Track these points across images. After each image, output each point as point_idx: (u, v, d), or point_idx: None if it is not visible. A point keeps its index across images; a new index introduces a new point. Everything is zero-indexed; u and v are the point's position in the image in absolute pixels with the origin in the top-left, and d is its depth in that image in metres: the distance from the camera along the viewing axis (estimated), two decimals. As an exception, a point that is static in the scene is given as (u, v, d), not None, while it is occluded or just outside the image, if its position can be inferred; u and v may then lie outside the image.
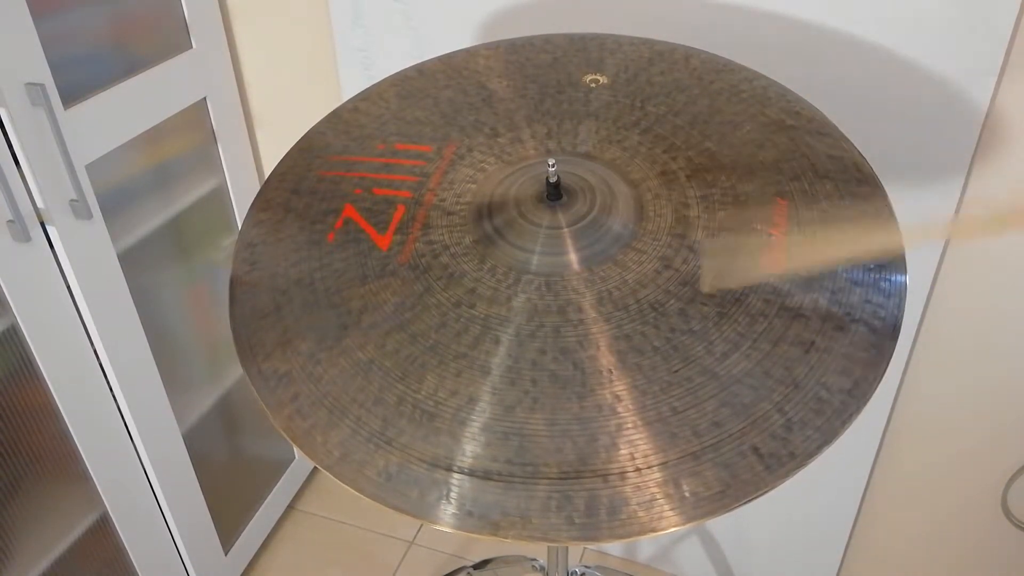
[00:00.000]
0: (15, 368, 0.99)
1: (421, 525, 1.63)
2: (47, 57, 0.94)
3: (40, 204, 0.96)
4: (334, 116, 0.82)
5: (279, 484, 1.60)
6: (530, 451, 0.55)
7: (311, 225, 0.71)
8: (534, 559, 1.20)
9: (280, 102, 1.35)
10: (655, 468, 0.53)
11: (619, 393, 0.57)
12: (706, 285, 0.60)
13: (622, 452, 0.54)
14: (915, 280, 1.07)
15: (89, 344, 1.08)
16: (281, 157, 0.79)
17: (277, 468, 1.61)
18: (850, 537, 1.35)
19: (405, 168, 0.75)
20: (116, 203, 1.12)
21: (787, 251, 0.59)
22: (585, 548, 1.60)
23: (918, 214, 1.02)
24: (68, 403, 1.06)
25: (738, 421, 0.55)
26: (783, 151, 0.72)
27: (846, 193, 0.68)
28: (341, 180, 0.75)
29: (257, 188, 1.40)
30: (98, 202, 1.05)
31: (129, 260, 1.14)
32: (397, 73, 0.86)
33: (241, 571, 1.52)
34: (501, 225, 0.67)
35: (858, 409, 0.55)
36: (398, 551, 1.59)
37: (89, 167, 1.04)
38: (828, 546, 1.36)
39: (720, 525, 1.44)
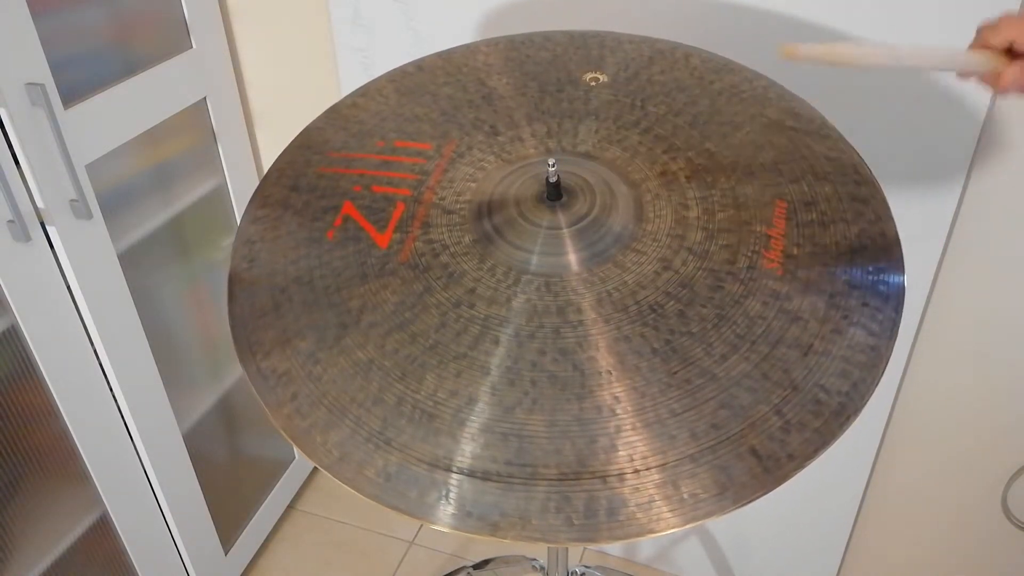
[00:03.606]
0: (15, 368, 0.99)
1: (421, 525, 1.63)
2: (47, 57, 0.94)
3: (40, 204, 0.96)
4: (333, 112, 0.82)
5: (279, 484, 1.60)
6: (529, 452, 0.55)
7: (310, 223, 0.71)
8: (534, 559, 1.20)
9: (280, 102, 1.35)
10: (654, 470, 0.53)
11: (618, 395, 0.57)
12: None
13: (621, 454, 0.54)
14: (915, 280, 1.07)
15: (89, 344, 1.08)
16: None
17: (277, 468, 1.61)
18: (850, 537, 1.35)
19: (405, 166, 0.75)
20: (116, 203, 1.11)
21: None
22: (585, 548, 1.60)
23: (918, 215, 1.02)
24: (68, 403, 1.06)
25: (737, 423, 0.55)
26: (783, 152, 0.72)
27: (845, 195, 0.68)
28: (340, 177, 0.75)
29: (257, 188, 1.40)
30: (98, 202, 1.05)
31: (129, 260, 1.14)
32: (396, 69, 0.86)
33: (241, 571, 1.53)
34: (501, 224, 0.67)
35: (856, 411, 0.55)
36: (398, 551, 1.59)
37: (89, 167, 1.04)
38: (828, 546, 1.36)
39: (720, 526, 1.44)
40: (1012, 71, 0.52)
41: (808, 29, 0.95)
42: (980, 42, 0.54)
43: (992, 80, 0.55)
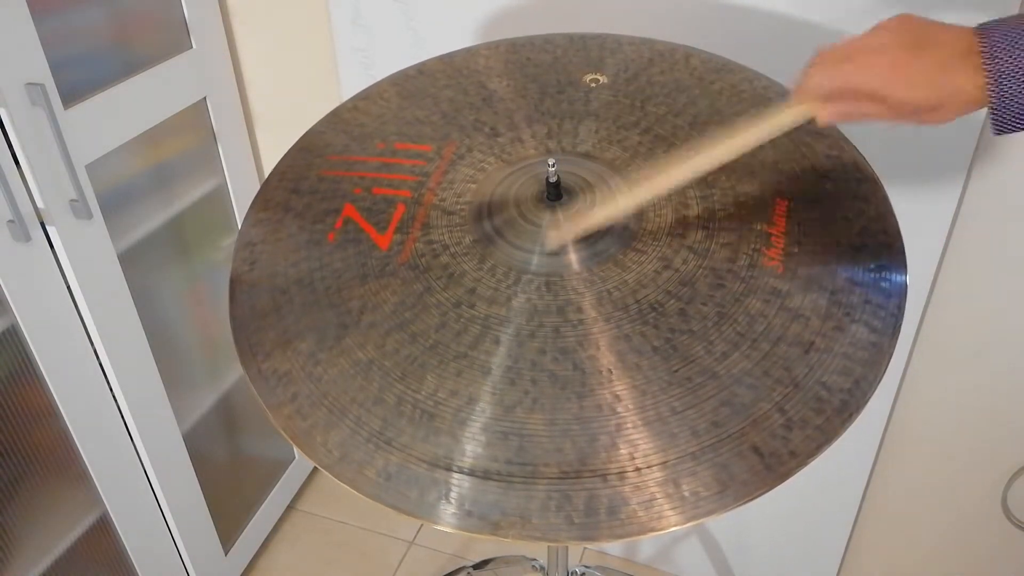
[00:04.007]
0: (15, 368, 0.99)
1: (421, 525, 1.63)
2: (47, 57, 0.94)
3: (40, 204, 0.96)
4: (334, 115, 0.82)
5: (279, 484, 1.60)
6: (530, 451, 0.55)
7: (311, 225, 0.71)
8: (534, 559, 1.20)
9: (280, 102, 1.35)
10: (655, 468, 0.53)
11: (619, 393, 0.57)
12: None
13: (622, 452, 0.54)
14: (915, 280, 1.07)
15: (89, 344, 1.08)
16: (281, 157, 0.80)
17: (277, 468, 1.61)
18: (850, 537, 1.35)
19: (405, 168, 0.75)
20: (116, 203, 1.11)
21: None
22: (585, 548, 1.60)
23: (918, 215, 1.02)
24: (68, 403, 1.06)
25: (738, 421, 0.55)
26: (783, 151, 0.72)
27: (846, 193, 0.68)
28: (341, 180, 0.75)
29: (257, 188, 1.40)
30: (98, 202, 1.05)
31: (129, 260, 1.14)
32: (397, 72, 0.86)
33: (241, 571, 1.52)
34: (501, 225, 0.67)
35: (858, 409, 0.55)
36: (398, 551, 1.59)
37: (89, 167, 1.04)
38: (828, 546, 1.36)
39: (720, 525, 1.44)
40: (824, 114, 0.59)
41: (808, 29, 0.95)
42: (795, 99, 0.61)
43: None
